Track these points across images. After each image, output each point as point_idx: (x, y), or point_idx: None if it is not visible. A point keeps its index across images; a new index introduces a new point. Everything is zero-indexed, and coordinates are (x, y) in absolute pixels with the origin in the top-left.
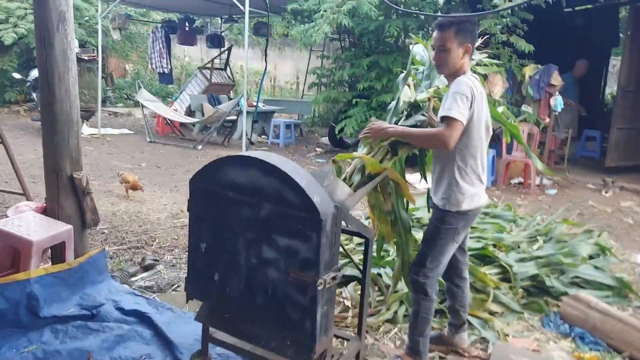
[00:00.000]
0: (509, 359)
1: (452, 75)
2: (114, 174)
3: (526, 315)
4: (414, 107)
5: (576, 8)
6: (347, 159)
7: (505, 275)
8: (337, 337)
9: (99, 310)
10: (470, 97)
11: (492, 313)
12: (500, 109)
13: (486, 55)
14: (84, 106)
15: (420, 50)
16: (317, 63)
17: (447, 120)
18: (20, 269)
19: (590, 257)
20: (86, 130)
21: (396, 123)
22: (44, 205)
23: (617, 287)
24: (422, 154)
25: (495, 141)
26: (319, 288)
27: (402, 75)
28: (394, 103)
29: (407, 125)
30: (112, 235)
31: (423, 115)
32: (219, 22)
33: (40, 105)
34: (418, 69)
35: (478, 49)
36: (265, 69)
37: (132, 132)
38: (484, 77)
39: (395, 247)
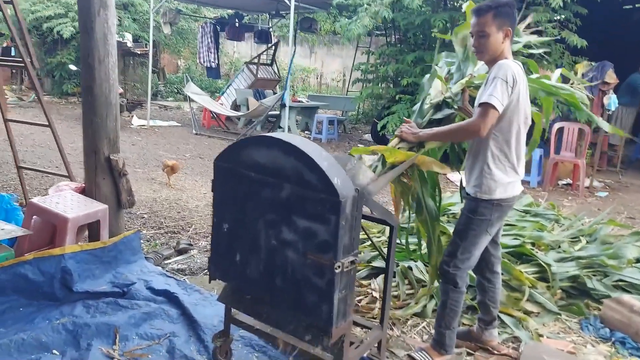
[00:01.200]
0: (540, 359)
1: (493, 61)
2: (158, 163)
3: (564, 316)
4: (444, 103)
5: (637, 5)
6: (363, 153)
7: (543, 275)
8: (360, 325)
9: (129, 289)
10: (511, 82)
11: (527, 313)
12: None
13: (535, 35)
14: (135, 99)
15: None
16: (363, 60)
17: (483, 106)
18: (56, 245)
19: (637, 261)
20: (136, 121)
21: (421, 125)
22: (83, 185)
23: None
24: (453, 145)
25: (543, 140)
26: (337, 272)
27: (428, 75)
28: (418, 105)
29: (435, 120)
30: (151, 220)
31: (452, 108)
32: (267, 18)
33: (81, 87)
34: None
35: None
36: (291, 62)
37: (179, 124)
38: (535, 61)
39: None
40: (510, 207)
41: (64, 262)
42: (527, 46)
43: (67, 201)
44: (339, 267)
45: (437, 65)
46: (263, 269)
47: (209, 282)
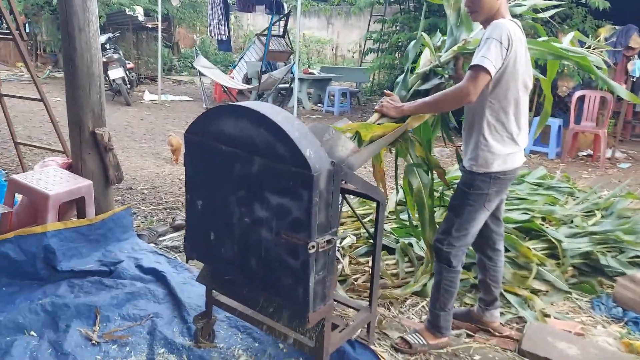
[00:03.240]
0: (544, 341)
1: (488, 20)
2: (165, 137)
3: (574, 295)
4: (432, 73)
5: None
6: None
7: (554, 251)
8: (348, 306)
9: (116, 267)
10: (506, 43)
11: (534, 292)
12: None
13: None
14: (149, 73)
15: None
16: (378, 29)
17: (474, 69)
18: (38, 223)
19: None
20: (147, 96)
21: (405, 97)
22: (70, 161)
23: None
24: (444, 119)
25: (562, 109)
26: (311, 252)
27: (413, 42)
28: (402, 76)
29: (422, 91)
30: (151, 196)
31: (441, 77)
32: None
33: (62, 58)
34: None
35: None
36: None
37: (191, 98)
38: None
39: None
40: (511, 180)
41: (46, 241)
42: (536, 10)
43: (49, 177)
44: (313, 246)
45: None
46: (237, 249)
47: (186, 262)
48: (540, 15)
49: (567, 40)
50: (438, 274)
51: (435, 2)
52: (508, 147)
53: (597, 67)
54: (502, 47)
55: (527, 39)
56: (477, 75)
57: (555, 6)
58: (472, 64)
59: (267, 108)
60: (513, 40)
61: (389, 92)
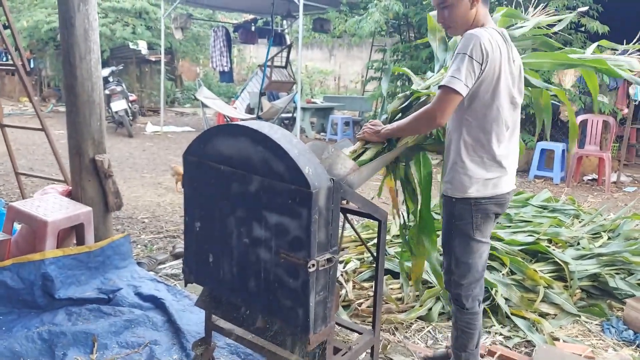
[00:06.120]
0: None
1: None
2: (167, 167)
3: (584, 318)
4: (412, 94)
5: None
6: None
7: (561, 274)
8: (352, 330)
9: (115, 295)
10: (479, 57)
11: (542, 315)
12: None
13: (544, 15)
14: (152, 106)
15: None
16: (379, 58)
17: (441, 90)
18: (36, 250)
19: None
20: (150, 127)
21: (386, 121)
22: (70, 188)
23: None
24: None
25: (565, 134)
26: (311, 270)
27: (385, 71)
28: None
29: (402, 111)
30: (152, 225)
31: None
32: (280, 20)
33: (63, 86)
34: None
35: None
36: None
37: (193, 129)
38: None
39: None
40: (500, 206)
41: (44, 268)
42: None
43: (48, 204)
44: (313, 265)
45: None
46: (236, 271)
47: (185, 286)
48: (545, 31)
49: (590, 50)
50: (454, 315)
51: (424, 41)
52: (490, 170)
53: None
54: (473, 62)
55: (535, 52)
56: (445, 97)
57: (559, 20)
58: (440, 84)
59: (265, 126)
60: (487, 52)
61: (373, 120)
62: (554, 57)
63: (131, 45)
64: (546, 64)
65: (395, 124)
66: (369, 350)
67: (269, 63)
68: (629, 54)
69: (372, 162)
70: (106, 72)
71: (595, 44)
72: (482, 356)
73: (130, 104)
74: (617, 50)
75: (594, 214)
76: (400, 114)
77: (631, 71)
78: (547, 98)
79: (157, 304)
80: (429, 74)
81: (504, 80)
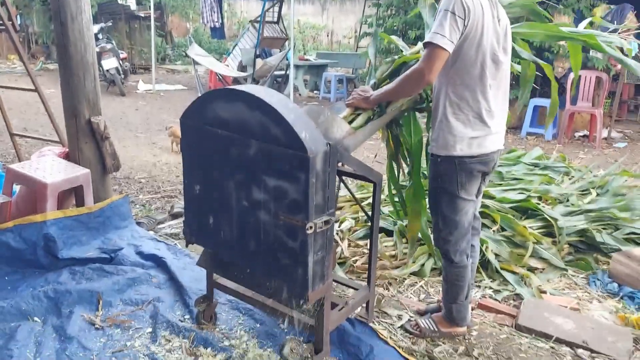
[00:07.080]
0: (540, 316)
1: None
2: (161, 127)
3: (571, 272)
4: (403, 65)
5: None
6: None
7: (550, 230)
8: (348, 286)
9: (117, 254)
10: (461, 12)
11: (531, 269)
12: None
13: None
14: (142, 63)
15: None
16: (373, 13)
17: (427, 47)
18: (37, 211)
19: None
20: (142, 86)
21: (375, 86)
22: (67, 150)
23: None
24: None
25: (558, 91)
26: (309, 232)
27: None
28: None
29: (391, 75)
30: (149, 185)
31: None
32: None
33: (56, 47)
34: None
35: None
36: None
37: (186, 87)
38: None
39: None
40: (485, 164)
41: (46, 229)
42: None
43: (47, 166)
44: (311, 227)
45: None
46: (236, 232)
47: (186, 247)
48: None
49: (582, 25)
50: (444, 269)
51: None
52: (475, 128)
53: (621, 50)
54: (456, 18)
55: (528, 23)
56: (431, 54)
57: None
58: (424, 41)
59: (261, 91)
60: (469, 8)
61: (363, 87)
62: (546, 28)
63: (119, 1)
64: (538, 35)
65: (384, 89)
66: (365, 305)
67: (259, 19)
68: (618, 34)
69: (367, 127)
70: (95, 29)
71: (588, 19)
72: (472, 309)
73: (121, 62)
74: (609, 28)
75: (584, 170)
76: (387, 80)
77: (622, 51)
78: (533, 70)
79: (158, 262)
80: (419, 44)
81: (487, 38)
